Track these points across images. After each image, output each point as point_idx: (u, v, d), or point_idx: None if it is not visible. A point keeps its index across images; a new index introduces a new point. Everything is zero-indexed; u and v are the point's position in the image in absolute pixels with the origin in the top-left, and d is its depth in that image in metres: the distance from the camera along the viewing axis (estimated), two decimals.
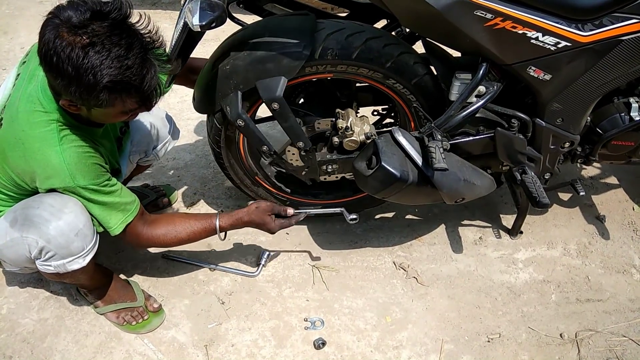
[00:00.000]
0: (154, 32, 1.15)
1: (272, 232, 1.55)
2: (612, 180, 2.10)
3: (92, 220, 1.34)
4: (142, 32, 1.12)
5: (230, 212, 1.53)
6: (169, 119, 1.78)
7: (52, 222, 1.27)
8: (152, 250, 1.80)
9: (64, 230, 1.28)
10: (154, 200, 1.92)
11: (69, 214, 1.28)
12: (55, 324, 1.57)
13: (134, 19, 1.13)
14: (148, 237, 1.43)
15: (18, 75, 1.32)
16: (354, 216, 1.60)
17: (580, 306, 1.67)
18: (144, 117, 1.67)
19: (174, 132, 1.80)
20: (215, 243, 1.84)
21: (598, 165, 2.15)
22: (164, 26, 1.29)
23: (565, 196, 2.03)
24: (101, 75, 1.06)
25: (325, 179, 1.66)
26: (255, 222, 1.51)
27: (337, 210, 1.62)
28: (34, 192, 1.32)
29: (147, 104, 1.20)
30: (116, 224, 1.35)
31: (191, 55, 1.42)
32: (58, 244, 1.29)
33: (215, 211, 1.93)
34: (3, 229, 1.32)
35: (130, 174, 1.78)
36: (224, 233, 1.53)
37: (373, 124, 1.69)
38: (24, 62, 1.34)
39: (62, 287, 1.67)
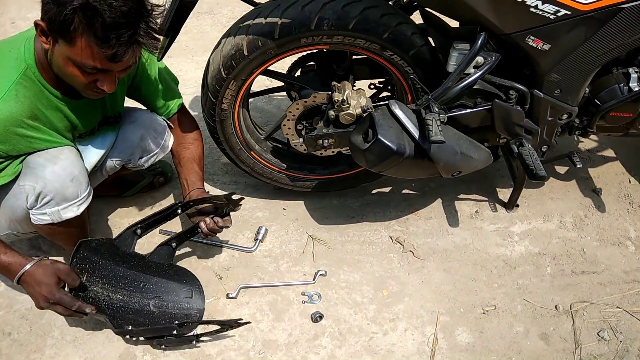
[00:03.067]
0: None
1: (46, 299, 1.27)
2: (609, 153, 2.10)
3: None
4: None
5: (18, 254, 1.31)
6: (163, 129, 1.62)
7: (48, 167, 1.30)
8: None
9: (59, 174, 1.31)
10: (151, 182, 1.91)
11: (65, 160, 1.31)
12: None
13: None
14: None
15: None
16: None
17: (575, 278, 1.69)
18: (135, 128, 1.58)
19: (165, 146, 1.64)
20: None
21: (595, 138, 2.14)
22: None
23: (561, 169, 2.03)
24: None
25: (321, 153, 1.65)
26: (37, 278, 1.28)
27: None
28: None
29: (107, 58, 1.13)
30: None
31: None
32: (54, 187, 1.30)
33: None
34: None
35: (116, 172, 1.68)
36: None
37: (370, 97, 1.67)
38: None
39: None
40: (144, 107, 1.64)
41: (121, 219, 1.83)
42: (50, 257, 1.35)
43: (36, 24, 1.15)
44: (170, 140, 1.65)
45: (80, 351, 1.45)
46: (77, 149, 1.33)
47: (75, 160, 1.33)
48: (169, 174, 1.96)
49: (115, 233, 1.78)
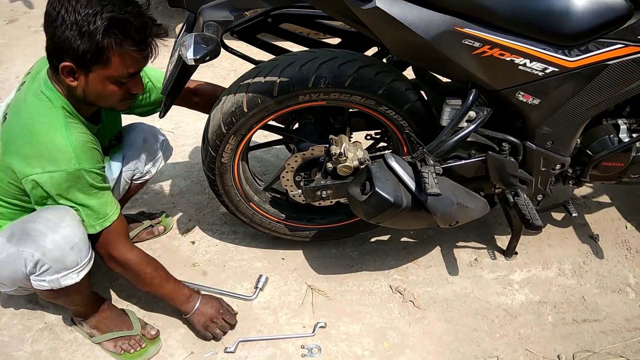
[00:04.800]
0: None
1: (222, 332, 1.60)
2: (605, 198, 2.12)
3: (86, 212, 1.35)
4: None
5: (192, 291, 1.60)
6: (162, 135, 1.81)
7: (49, 235, 1.29)
8: None
9: (59, 243, 1.30)
10: (148, 228, 1.92)
11: (66, 228, 1.30)
12: (50, 356, 1.55)
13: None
14: (127, 256, 1.44)
15: (22, 83, 1.39)
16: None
17: (576, 327, 1.67)
18: (136, 134, 1.71)
19: (167, 148, 1.82)
20: (210, 270, 1.83)
21: (590, 183, 2.17)
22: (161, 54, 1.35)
23: (558, 216, 2.05)
24: (103, 16, 1.14)
25: (320, 204, 1.67)
26: (209, 314, 1.58)
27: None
28: (30, 203, 1.34)
29: (145, 52, 1.24)
30: (111, 211, 1.38)
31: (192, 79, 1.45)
32: (53, 257, 1.30)
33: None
34: (0, 245, 1.34)
35: (125, 194, 1.78)
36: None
37: (366, 148, 1.70)
38: (28, 72, 1.41)
39: (56, 319, 1.65)
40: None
41: None
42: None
43: (62, 68, 1.21)
44: (170, 147, 1.84)
45: None
46: (79, 215, 1.34)
47: (76, 227, 1.33)
48: (169, 227, 1.97)
49: (113, 286, 1.77)
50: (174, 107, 1.70)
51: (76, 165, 1.27)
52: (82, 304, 1.52)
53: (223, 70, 2.71)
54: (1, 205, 1.37)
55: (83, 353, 1.57)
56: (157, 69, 1.63)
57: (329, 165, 1.56)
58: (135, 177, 1.75)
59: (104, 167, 1.38)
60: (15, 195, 1.37)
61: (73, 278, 1.35)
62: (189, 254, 1.89)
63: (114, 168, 1.61)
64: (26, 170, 1.27)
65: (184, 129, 2.41)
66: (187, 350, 1.58)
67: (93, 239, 1.40)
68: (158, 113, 1.56)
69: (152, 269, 1.49)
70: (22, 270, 1.32)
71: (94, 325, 1.58)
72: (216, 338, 1.59)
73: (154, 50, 1.26)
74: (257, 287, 1.76)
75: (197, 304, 1.57)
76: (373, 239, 1.97)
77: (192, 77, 1.59)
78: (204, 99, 1.71)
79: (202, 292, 1.63)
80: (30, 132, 1.26)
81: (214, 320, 1.57)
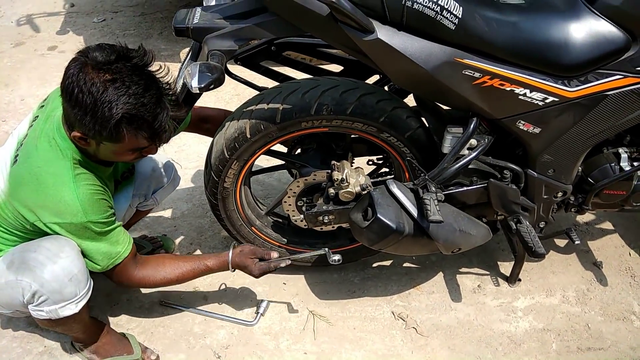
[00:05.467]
0: (170, 79, 1.24)
1: (254, 276, 1.58)
2: (608, 225, 2.11)
3: (95, 256, 1.35)
4: (160, 78, 1.22)
5: (217, 255, 1.58)
6: (170, 165, 1.82)
7: (48, 266, 1.29)
8: (147, 301, 1.79)
9: (58, 274, 1.30)
10: (150, 252, 1.92)
11: (65, 259, 1.30)
12: None
13: (154, 67, 1.22)
14: (138, 277, 1.46)
15: (36, 117, 1.38)
16: (337, 257, 1.59)
17: (581, 355, 1.65)
18: (146, 162, 1.71)
19: (175, 179, 1.83)
20: (211, 294, 1.82)
21: (592, 211, 2.16)
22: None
23: (561, 242, 2.04)
24: (117, 109, 1.13)
25: (321, 228, 1.67)
26: (239, 265, 1.56)
27: (320, 251, 1.63)
28: (34, 232, 1.34)
29: (157, 142, 1.26)
30: (122, 249, 1.38)
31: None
32: (51, 288, 1.30)
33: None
34: (0, 271, 1.33)
35: (130, 220, 1.79)
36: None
37: (368, 173, 1.71)
38: (42, 105, 1.41)
39: (56, 343, 1.64)
40: None
41: (119, 295, 1.82)
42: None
43: (73, 136, 1.22)
44: (178, 177, 1.85)
45: None
46: (78, 246, 1.34)
47: (75, 258, 1.32)
48: (170, 250, 1.98)
49: (112, 310, 1.77)
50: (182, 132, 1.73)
51: (83, 218, 1.28)
52: (82, 331, 1.51)
53: (226, 95, 2.74)
54: (4, 233, 1.37)
55: None
56: None
57: (331, 190, 1.57)
58: (140, 205, 1.77)
59: (112, 213, 1.37)
60: (19, 229, 1.36)
61: (71, 309, 1.35)
62: None
63: (122, 200, 1.60)
64: (32, 217, 1.29)
65: (187, 152, 2.43)
66: None
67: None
68: None
69: (169, 271, 1.49)
70: (19, 299, 1.32)
71: (94, 351, 1.57)
72: (272, 270, 1.58)
73: (166, 131, 1.25)
74: (258, 312, 1.75)
75: (230, 261, 1.55)
76: (375, 264, 1.96)
77: (199, 103, 1.63)
78: (214, 125, 1.73)
79: (231, 250, 1.58)
80: (37, 181, 1.26)
81: (254, 262, 1.56)
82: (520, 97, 1.30)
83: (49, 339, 1.65)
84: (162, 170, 1.76)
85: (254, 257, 1.56)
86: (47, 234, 1.32)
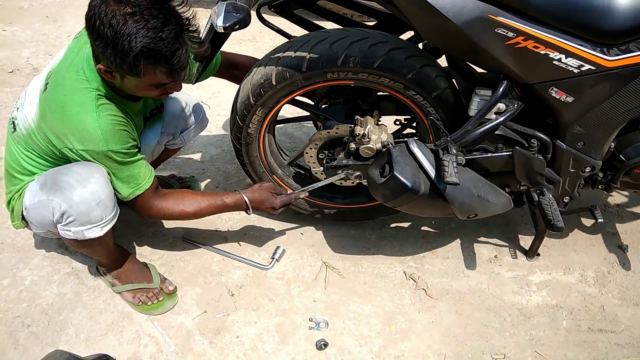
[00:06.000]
0: (191, 16, 1.24)
1: (275, 209, 1.63)
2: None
3: (117, 184, 1.41)
4: (180, 13, 1.22)
5: (235, 192, 1.63)
6: (199, 107, 1.86)
7: (77, 189, 1.36)
8: (170, 236, 1.87)
9: (86, 198, 1.37)
10: None
11: (94, 184, 1.37)
12: (73, 299, 1.66)
13: (176, 2, 1.23)
14: (157, 208, 1.51)
15: (70, 48, 1.43)
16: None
17: (591, 335, 1.63)
18: (176, 102, 1.77)
19: (203, 120, 1.88)
20: (231, 236, 1.89)
21: (626, 193, 2.08)
22: (202, 23, 1.39)
23: (588, 222, 1.98)
24: (135, 42, 1.15)
25: (341, 183, 1.68)
26: (258, 199, 1.61)
27: (337, 177, 1.64)
28: (65, 159, 1.41)
29: (176, 78, 1.28)
30: (143, 181, 1.44)
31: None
32: (79, 210, 1.37)
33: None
34: (34, 191, 1.42)
35: (159, 157, 1.87)
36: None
37: (393, 132, 1.70)
38: (76, 38, 1.45)
39: (83, 265, 1.76)
40: None
41: (146, 228, 1.91)
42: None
43: (99, 68, 1.27)
44: (207, 119, 1.88)
45: (91, 350, 1.52)
46: (108, 172, 1.40)
47: (104, 185, 1.38)
48: (197, 190, 2.05)
49: (137, 240, 1.86)
50: (213, 77, 1.75)
51: (104, 147, 1.33)
52: (105, 255, 1.61)
53: (264, 46, 2.75)
54: (38, 157, 1.45)
55: (104, 300, 1.67)
56: None
57: (352, 145, 1.57)
58: (169, 143, 1.83)
59: (134, 145, 1.41)
60: (50, 155, 1.43)
61: (97, 232, 1.43)
62: (213, 219, 1.94)
63: (151, 137, 1.67)
64: (60, 144, 1.35)
65: (220, 99, 2.47)
66: (201, 309, 1.65)
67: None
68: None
69: (187, 204, 1.54)
70: (49, 218, 1.41)
71: (116, 276, 1.67)
72: (288, 204, 1.66)
73: (186, 67, 1.27)
74: (273, 258, 1.81)
75: (246, 200, 1.59)
76: (393, 225, 1.97)
77: (235, 51, 1.64)
78: (243, 72, 1.75)
79: (246, 190, 1.64)
80: (63, 109, 1.31)
81: (274, 195, 1.63)
82: (554, 62, 1.25)
83: (76, 261, 1.77)
84: (191, 111, 1.81)
85: (273, 191, 1.63)
86: (77, 160, 1.39)
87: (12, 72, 2.76)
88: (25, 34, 3.05)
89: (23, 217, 1.50)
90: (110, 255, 1.63)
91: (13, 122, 1.47)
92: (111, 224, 1.46)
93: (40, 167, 1.46)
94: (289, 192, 1.67)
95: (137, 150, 1.44)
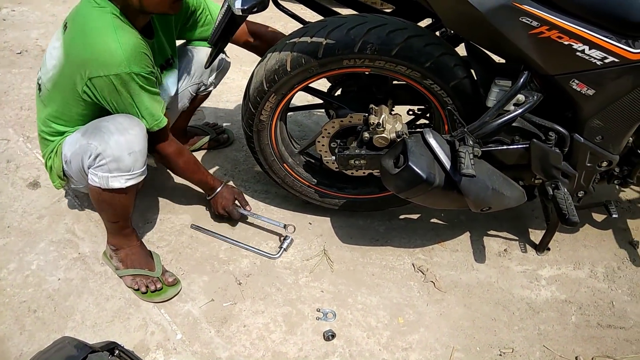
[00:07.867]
0: None
1: (224, 210, 1.80)
2: None
3: (143, 110, 1.45)
4: None
5: (216, 179, 1.80)
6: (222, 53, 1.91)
7: (115, 135, 1.40)
8: (178, 223, 1.86)
9: (121, 144, 1.40)
10: (215, 137, 2.13)
11: (132, 135, 1.41)
12: (80, 285, 1.64)
13: None
14: (168, 151, 1.59)
15: None
16: (289, 235, 1.80)
17: (600, 331, 1.62)
18: (201, 51, 1.83)
19: (226, 61, 1.94)
20: (239, 225, 1.88)
21: (638, 188, 2.07)
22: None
23: (599, 217, 1.97)
24: None
25: (352, 173, 1.66)
26: (226, 196, 1.80)
27: (277, 224, 1.81)
28: (88, 114, 1.48)
29: None
30: (161, 117, 1.49)
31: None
32: (111, 154, 1.41)
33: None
34: (75, 139, 1.47)
35: (190, 105, 1.94)
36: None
37: (407, 123, 1.67)
38: None
39: (90, 251, 1.74)
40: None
41: (153, 215, 1.89)
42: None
43: None
44: (229, 61, 1.95)
45: (98, 337, 1.51)
46: (147, 129, 1.46)
47: (141, 138, 1.43)
48: (232, 136, 2.18)
49: (145, 227, 1.84)
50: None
51: (126, 68, 1.34)
52: (122, 218, 1.60)
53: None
54: (62, 115, 1.51)
55: (111, 286, 1.65)
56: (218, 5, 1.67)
57: (366, 134, 1.55)
58: (200, 90, 1.90)
59: (153, 73, 1.44)
60: (73, 106, 1.47)
61: (120, 182, 1.45)
62: None
63: (170, 86, 1.70)
64: (81, 81, 1.37)
65: (229, 86, 2.44)
66: (208, 297, 1.64)
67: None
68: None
69: (184, 162, 1.65)
70: (85, 161, 1.44)
71: (122, 259, 1.66)
72: (232, 215, 1.82)
73: None
74: (281, 247, 1.79)
75: (219, 189, 1.79)
76: (402, 216, 1.95)
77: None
78: (263, 44, 1.74)
79: (227, 184, 1.83)
80: (84, 36, 1.34)
81: (230, 204, 1.80)
82: (577, 53, 1.22)
83: (84, 245, 1.75)
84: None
85: (237, 197, 1.81)
86: (98, 104, 1.44)
87: (20, 53, 2.72)
88: (35, 14, 3.00)
89: (64, 174, 1.55)
90: (126, 223, 1.63)
91: (38, 83, 1.53)
92: (136, 180, 1.48)
93: (66, 125, 1.52)
94: (246, 208, 1.83)
95: (155, 80, 1.46)
